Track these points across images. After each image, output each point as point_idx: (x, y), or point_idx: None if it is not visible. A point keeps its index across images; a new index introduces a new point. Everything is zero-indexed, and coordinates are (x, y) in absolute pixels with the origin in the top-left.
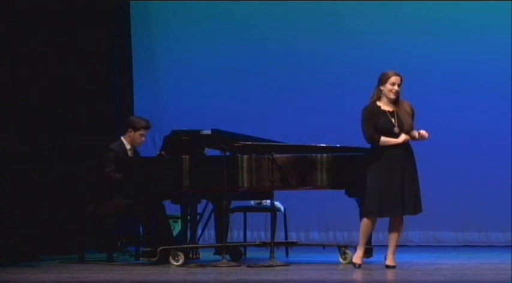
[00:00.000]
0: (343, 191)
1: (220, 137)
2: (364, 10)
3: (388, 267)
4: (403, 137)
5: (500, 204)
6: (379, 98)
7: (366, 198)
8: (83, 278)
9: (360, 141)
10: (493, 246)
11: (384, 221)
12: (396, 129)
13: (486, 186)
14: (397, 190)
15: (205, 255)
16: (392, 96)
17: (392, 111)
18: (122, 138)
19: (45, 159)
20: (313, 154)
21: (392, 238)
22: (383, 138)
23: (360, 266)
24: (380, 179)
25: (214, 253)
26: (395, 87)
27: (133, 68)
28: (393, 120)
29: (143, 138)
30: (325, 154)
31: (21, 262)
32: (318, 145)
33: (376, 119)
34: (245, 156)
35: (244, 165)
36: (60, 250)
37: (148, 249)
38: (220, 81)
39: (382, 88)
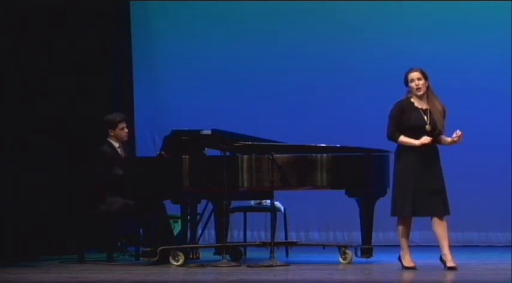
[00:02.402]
0: (343, 191)
1: (220, 137)
2: (366, 11)
3: (450, 268)
4: (421, 140)
5: (500, 204)
6: (411, 97)
7: (394, 198)
8: (83, 278)
9: (359, 141)
10: (493, 246)
11: (382, 221)
12: (428, 127)
13: (486, 186)
14: (429, 189)
15: (205, 255)
16: (416, 92)
17: (426, 109)
18: (108, 139)
19: (45, 159)
20: (313, 154)
21: (439, 239)
22: (402, 138)
23: (413, 268)
24: (412, 178)
25: (214, 253)
26: (416, 82)
27: (133, 68)
28: (425, 118)
29: (126, 130)
30: (325, 154)
31: (21, 262)
32: (318, 145)
33: (407, 115)
34: (245, 156)
35: (244, 165)
36: (60, 250)
37: (148, 249)
38: (220, 81)
39: (408, 87)
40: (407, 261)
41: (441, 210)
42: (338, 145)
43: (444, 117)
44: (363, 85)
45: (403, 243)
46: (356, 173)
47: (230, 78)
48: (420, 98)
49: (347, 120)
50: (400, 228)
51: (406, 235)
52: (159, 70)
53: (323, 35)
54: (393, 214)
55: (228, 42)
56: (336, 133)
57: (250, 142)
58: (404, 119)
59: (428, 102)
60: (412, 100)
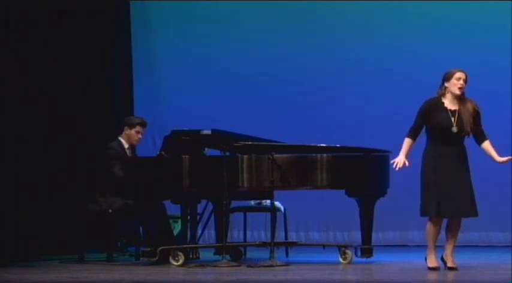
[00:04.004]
0: (343, 191)
1: (220, 137)
2: (366, 11)
3: (450, 268)
4: (396, 162)
5: (500, 204)
6: (443, 96)
7: (423, 198)
8: (83, 278)
9: (359, 141)
10: (493, 246)
11: (382, 221)
12: (455, 129)
13: (486, 186)
14: (455, 190)
15: (205, 255)
16: (457, 91)
17: (454, 110)
18: (119, 137)
19: (45, 159)
20: (313, 154)
21: (448, 239)
22: (405, 142)
23: (437, 268)
24: (438, 179)
25: (214, 253)
26: (461, 82)
27: (133, 68)
28: (453, 120)
29: (140, 135)
30: (325, 154)
31: (21, 262)
32: (318, 145)
33: (435, 114)
34: (245, 156)
35: (244, 165)
36: (60, 250)
37: (148, 249)
38: (220, 81)
39: (447, 84)
40: (431, 261)
41: (459, 212)
42: (338, 146)
43: (476, 117)
44: (363, 85)
45: (430, 243)
46: (356, 173)
47: (230, 78)
48: (453, 97)
49: (347, 120)
50: (429, 228)
51: (434, 235)
52: (159, 70)
53: (323, 35)
54: (421, 214)
55: (228, 42)
56: (336, 133)
57: (250, 143)
58: (432, 118)
59: (459, 104)
60: (442, 100)
